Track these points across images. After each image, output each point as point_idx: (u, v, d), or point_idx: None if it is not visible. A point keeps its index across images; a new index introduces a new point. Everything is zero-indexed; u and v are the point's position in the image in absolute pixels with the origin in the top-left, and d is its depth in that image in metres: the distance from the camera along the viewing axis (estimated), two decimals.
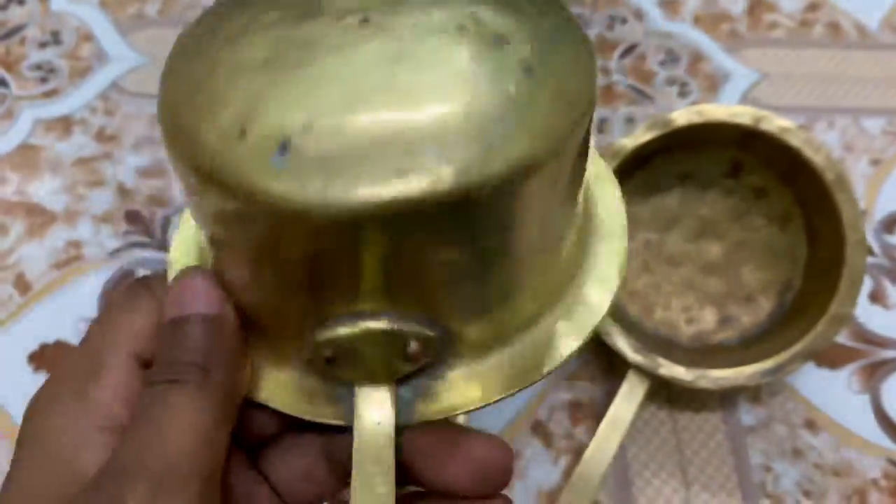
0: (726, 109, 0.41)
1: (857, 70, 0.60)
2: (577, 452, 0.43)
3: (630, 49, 0.60)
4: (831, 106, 0.58)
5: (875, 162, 0.54)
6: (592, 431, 0.44)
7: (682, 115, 0.41)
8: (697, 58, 0.60)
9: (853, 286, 0.39)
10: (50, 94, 0.55)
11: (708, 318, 0.47)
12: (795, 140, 0.39)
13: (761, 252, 0.46)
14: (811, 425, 0.45)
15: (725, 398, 0.46)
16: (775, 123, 0.40)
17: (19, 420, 0.21)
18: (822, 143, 0.39)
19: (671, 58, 0.60)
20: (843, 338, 0.48)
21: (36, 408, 0.21)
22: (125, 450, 0.19)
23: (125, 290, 0.22)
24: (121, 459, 0.18)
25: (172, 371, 0.19)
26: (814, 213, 0.44)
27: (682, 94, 0.58)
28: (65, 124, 0.53)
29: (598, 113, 0.57)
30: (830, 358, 0.47)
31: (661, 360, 0.41)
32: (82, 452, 0.19)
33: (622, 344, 0.41)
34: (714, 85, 0.59)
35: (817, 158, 0.39)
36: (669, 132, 0.42)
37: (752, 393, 0.46)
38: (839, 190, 0.39)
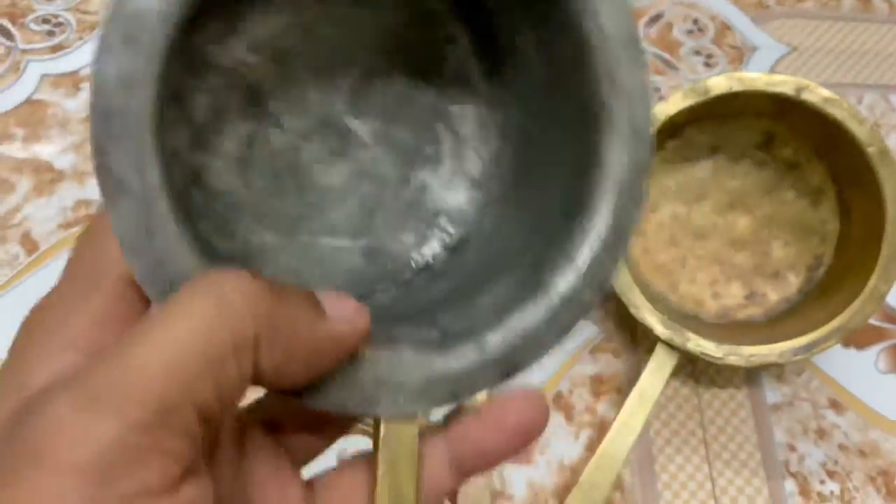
0: (767, 78, 0.39)
1: (886, 45, 0.58)
2: (599, 427, 0.43)
3: (656, 18, 0.58)
4: (859, 81, 0.56)
5: None
6: (615, 406, 0.43)
7: (721, 83, 0.40)
8: (724, 28, 0.58)
9: (894, 262, 0.38)
10: (57, 49, 0.53)
11: (734, 293, 0.45)
12: (838, 111, 0.38)
13: (791, 227, 0.45)
14: (836, 405, 0.44)
15: (750, 376, 0.45)
16: (818, 94, 0.38)
17: None
18: (865, 116, 0.38)
19: (698, 28, 0.58)
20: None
21: (17, 337, 0.20)
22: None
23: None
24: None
25: None
26: (849, 188, 0.42)
27: (708, 65, 0.57)
28: (73, 80, 0.52)
29: None
30: (857, 338, 0.46)
31: (691, 335, 0.40)
32: (37, 368, 0.18)
33: (650, 318, 0.40)
34: (740, 57, 0.57)
35: (860, 131, 0.38)
36: (706, 100, 0.41)
37: (777, 371, 0.45)
38: (882, 164, 0.38)
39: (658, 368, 0.40)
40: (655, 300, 0.43)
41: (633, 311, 0.40)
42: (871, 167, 0.38)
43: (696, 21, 0.59)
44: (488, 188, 0.25)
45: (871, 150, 0.38)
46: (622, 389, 0.44)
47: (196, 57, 0.22)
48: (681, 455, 0.42)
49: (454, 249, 0.24)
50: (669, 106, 0.41)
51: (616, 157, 0.20)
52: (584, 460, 0.41)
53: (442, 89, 0.25)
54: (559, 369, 0.44)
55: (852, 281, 0.41)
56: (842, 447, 0.43)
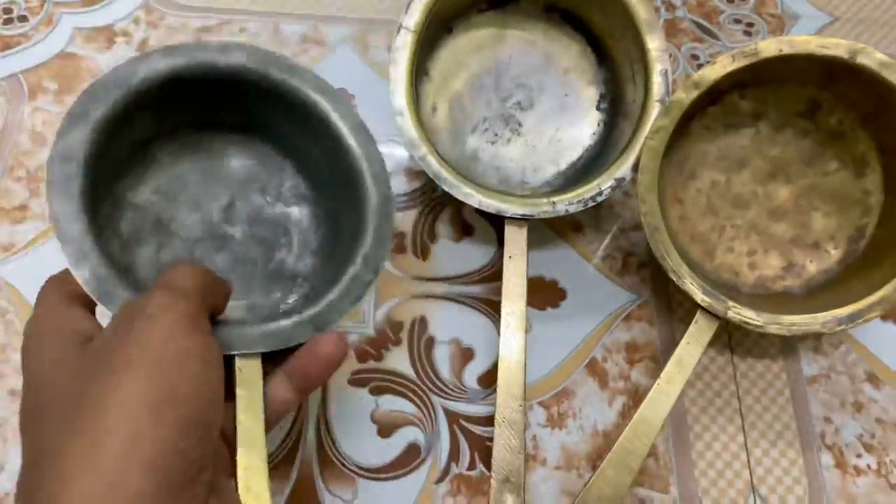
0: (819, 40, 0.38)
1: None
2: (633, 393, 0.42)
3: None
4: None
5: None
6: (649, 373, 0.43)
7: (771, 46, 0.39)
8: None
9: None
10: (91, 3, 0.53)
11: (772, 263, 0.45)
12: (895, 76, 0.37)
13: (833, 198, 0.44)
14: (874, 379, 0.44)
15: (786, 347, 0.44)
16: (874, 57, 0.37)
17: None
18: None
19: None
20: None
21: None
22: None
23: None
24: None
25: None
26: None
27: (748, 33, 0.56)
28: (107, 35, 0.51)
29: None
30: None
31: (732, 303, 0.39)
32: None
33: (691, 285, 0.40)
34: (781, 26, 0.56)
35: None
36: (751, 65, 0.40)
37: (814, 343, 0.44)
38: None
39: (697, 336, 0.39)
40: (691, 268, 0.42)
41: (672, 277, 0.40)
42: None
43: None
44: (322, 253, 0.38)
45: None
46: (657, 357, 0.43)
47: (119, 199, 0.35)
48: (716, 424, 0.42)
49: (306, 297, 0.37)
50: (715, 69, 0.40)
51: (372, 194, 0.35)
52: (618, 426, 0.41)
53: (284, 200, 0.39)
54: (592, 336, 0.44)
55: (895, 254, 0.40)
56: (879, 421, 0.42)
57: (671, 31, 0.55)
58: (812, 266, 0.44)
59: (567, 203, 0.41)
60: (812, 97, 0.43)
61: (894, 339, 0.45)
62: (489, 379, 0.42)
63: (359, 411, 0.40)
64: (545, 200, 0.41)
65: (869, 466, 0.41)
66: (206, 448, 0.25)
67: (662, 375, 0.39)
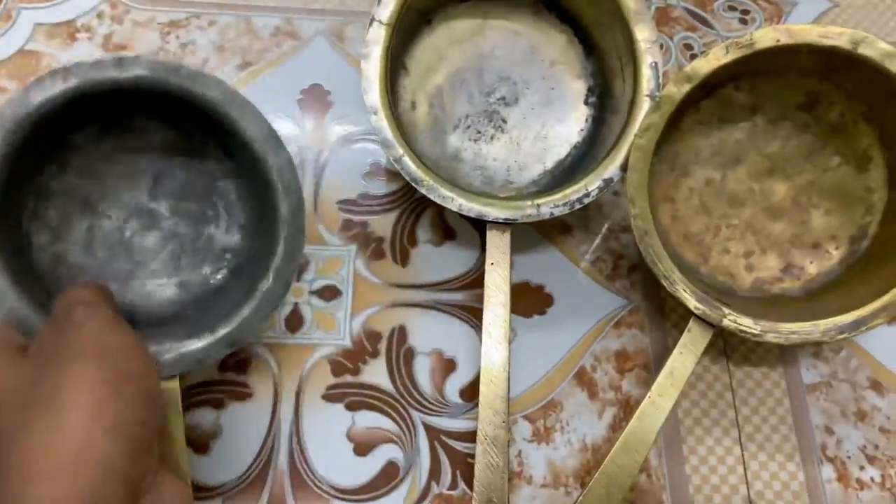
0: (819, 29, 0.36)
1: None
2: (624, 404, 0.40)
3: None
4: None
5: None
6: (641, 383, 0.41)
7: (768, 35, 0.36)
8: None
9: None
10: None
11: (770, 265, 0.43)
12: None
13: (833, 195, 0.42)
14: (877, 386, 0.41)
15: (785, 353, 0.42)
16: (878, 47, 0.35)
17: None
18: None
19: None
20: None
21: None
22: None
23: None
24: None
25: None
26: None
27: (744, 21, 0.53)
28: (68, 30, 0.49)
29: None
30: None
31: (727, 311, 0.37)
32: None
33: (684, 291, 0.37)
34: (779, 13, 0.54)
35: None
36: (747, 56, 0.37)
37: (814, 349, 0.42)
38: None
39: (690, 345, 0.37)
40: (685, 272, 0.40)
41: (664, 283, 0.37)
42: None
43: None
44: (250, 227, 0.38)
45: None
46: (649, 366, 0.41)
47: (44, 189, 0.35)
48: (711, 437, 0.39)
49: (234, 272, 0.37)
50: (708, 61, 0.37)
51: (283, 206, 0.35)
52: (608, 440, 0.39)
53: (210, 174, 0.38)
54: (581, 344, 0.41)
55: None
56: (883, 431, 0.40)
57: (663, 19, 0.52)
58: (812, 267, 0.42)
59: (552, 206, 0.39)
60: (811, 89, 0.41)
61: None
62: (472, 392, 0.40)
63: (334, 428, 0.38)
64: (529, 203, 0.39)
65: (873, 479, 0.39)
66: (159, 420, 0.27)
67: (654, 388, 0.36)
